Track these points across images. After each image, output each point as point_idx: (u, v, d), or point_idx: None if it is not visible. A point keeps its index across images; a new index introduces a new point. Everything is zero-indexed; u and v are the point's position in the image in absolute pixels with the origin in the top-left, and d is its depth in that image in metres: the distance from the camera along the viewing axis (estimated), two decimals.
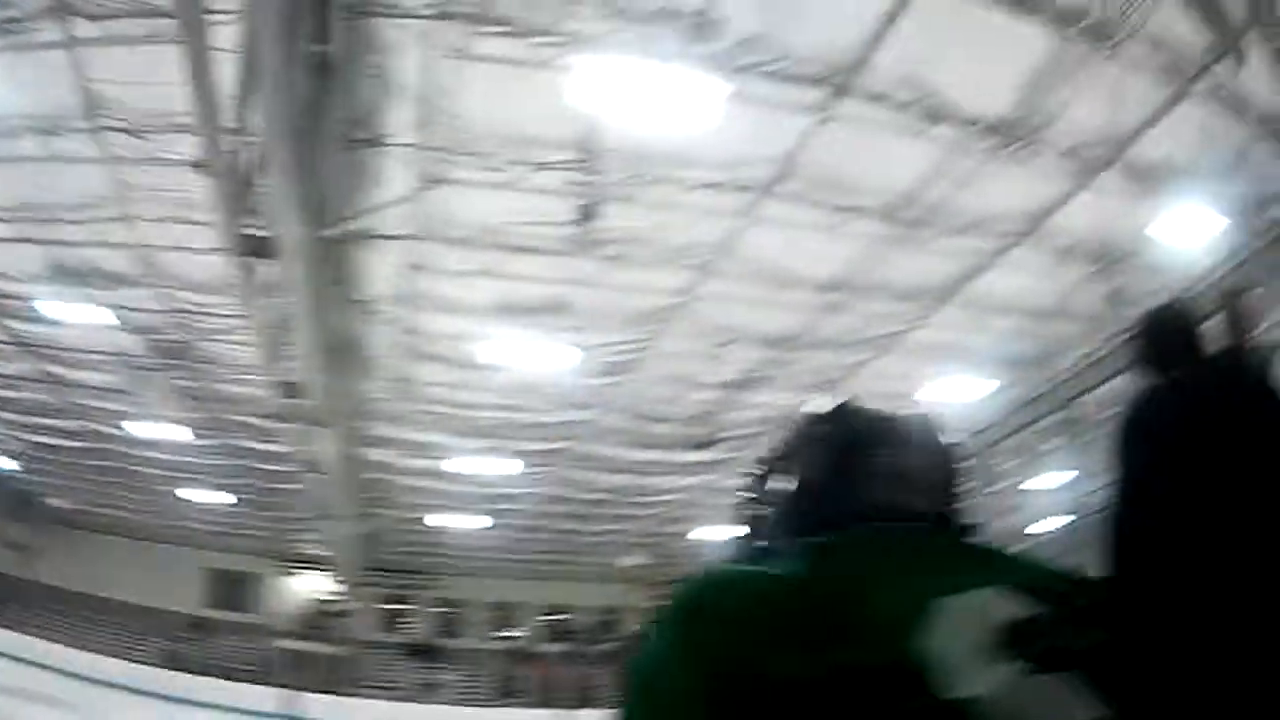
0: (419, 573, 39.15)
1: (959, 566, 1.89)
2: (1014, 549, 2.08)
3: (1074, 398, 22.73)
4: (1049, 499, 27.60)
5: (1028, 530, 36.34)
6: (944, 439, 2.22)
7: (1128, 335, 2.77)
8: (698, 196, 14.27)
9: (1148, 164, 15.04)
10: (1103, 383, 21.42)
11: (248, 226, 11.32)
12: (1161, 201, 15.48)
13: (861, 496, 2.05)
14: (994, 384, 22.08)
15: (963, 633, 1.70)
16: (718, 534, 31.98)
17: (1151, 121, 13.94)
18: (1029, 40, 12.04)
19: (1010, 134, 13.83)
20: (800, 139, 13.37)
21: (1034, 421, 24.30)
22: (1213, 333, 2.74)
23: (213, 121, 10.04)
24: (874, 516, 2.00)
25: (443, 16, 10.74)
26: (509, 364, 18.48)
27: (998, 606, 1.74)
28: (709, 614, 1.80)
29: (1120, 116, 13.73)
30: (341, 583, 36.40)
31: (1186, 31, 12.01)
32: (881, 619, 1.74)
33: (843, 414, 2.20)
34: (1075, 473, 24.95)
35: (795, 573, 1.86)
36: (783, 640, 1.76)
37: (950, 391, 21.84)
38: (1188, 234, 16.26)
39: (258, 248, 11.33)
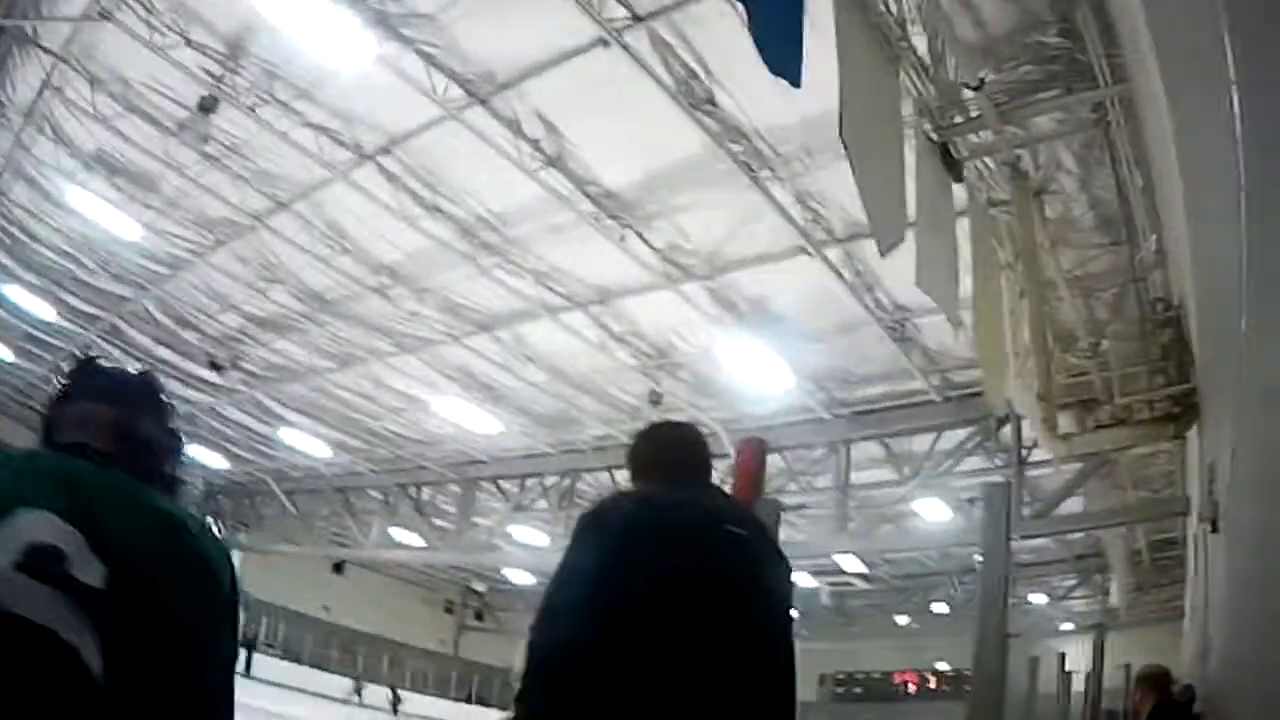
0: None
1: (58, 485, 2.26)
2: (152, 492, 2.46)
3: (576, 471, 24.74)
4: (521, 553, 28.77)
5: None
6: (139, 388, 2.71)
7: None
8: (307, 135, 14.40)
9: (746, 295, 16.08)
10: (607, 468, 23.19)
11: None
12: (740, 333, 16.61)
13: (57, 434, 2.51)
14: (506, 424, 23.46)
15: (6, 543, 2.08)
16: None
17: (767, 259, 14.87)
18: (685, 137, 12.55)
19: (621, 210, 14.57)
20: (421, 126, 13.72)
21: (529, 476, 26.22)
22: None
23: None
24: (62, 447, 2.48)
25: None
26: (87, 214, 18.05)
27: (41, 528, 2.13)
28: None
29: (740, 241, 14.70)
30: None
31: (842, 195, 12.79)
32: None
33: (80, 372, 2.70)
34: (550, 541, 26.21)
35: None
36: None
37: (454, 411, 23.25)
38: (754, 370, 17.43)
39: None
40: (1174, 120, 6.97)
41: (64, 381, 2.66)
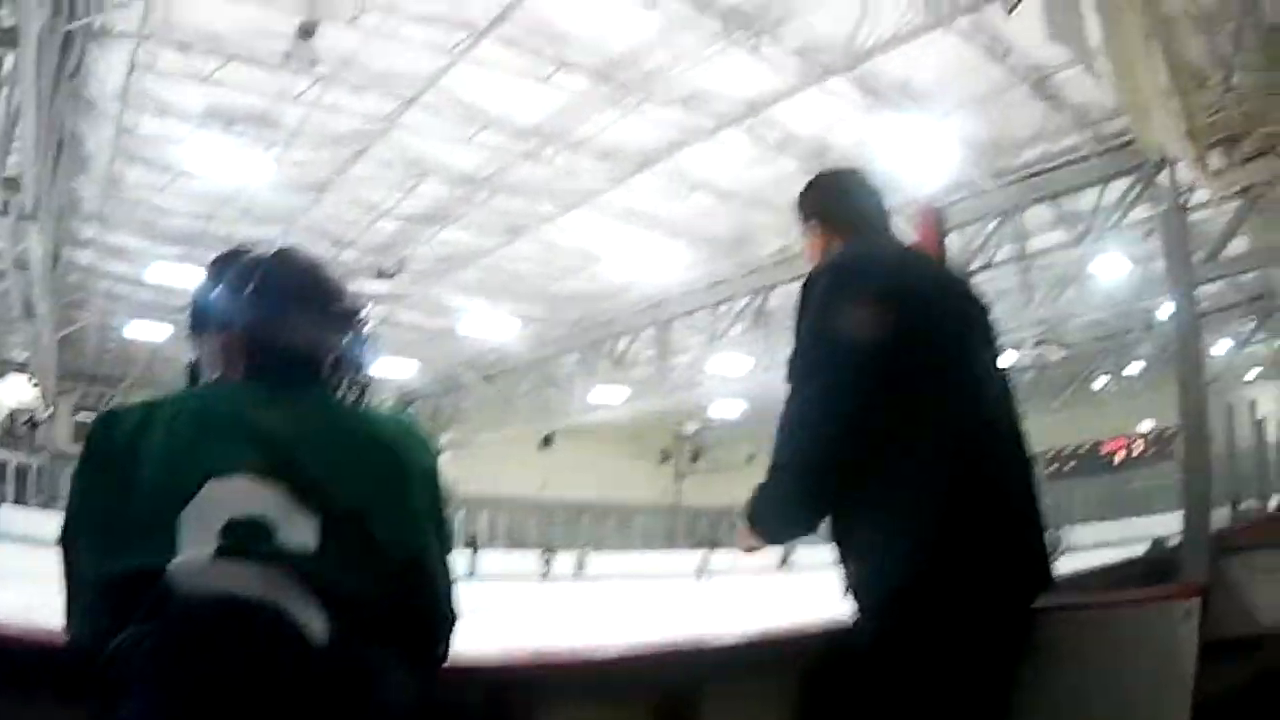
0: (110, 383, 38.35)
1: (250, 436, 2.09)
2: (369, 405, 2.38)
3: (765, 288, 24.37)
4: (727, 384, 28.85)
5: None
6: (340, 293, 2.46)
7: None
8: (416, 29, 14.38)
9: (888, 80, 15.79)
10: (793, 279, 23.21)
11: (3, 15, 10.90)
12: (891, 118, 16.33)
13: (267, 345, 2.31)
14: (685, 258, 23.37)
15: (202, 525, 1.94)
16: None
17: (899, 40, 14.43)
18: None
19: (747, 21, 14.30)
20: None
21: (720, 303, 25.81)
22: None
23: None
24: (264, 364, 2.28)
25: None
26: (212, 171, 18.20)
27: (238, 499, 1.98)
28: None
29: (868, 28, 14.36)
30: (38, 389, 35.62)
31: None
32: (149, 497, 1.99)
33: (253, 267, 2.41)
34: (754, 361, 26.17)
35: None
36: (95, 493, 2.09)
37: (632, 256, 23.03)
38: (913, 153, 17.13)
39: (7, 37, 10.87)
40: None
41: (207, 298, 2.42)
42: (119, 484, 2.02)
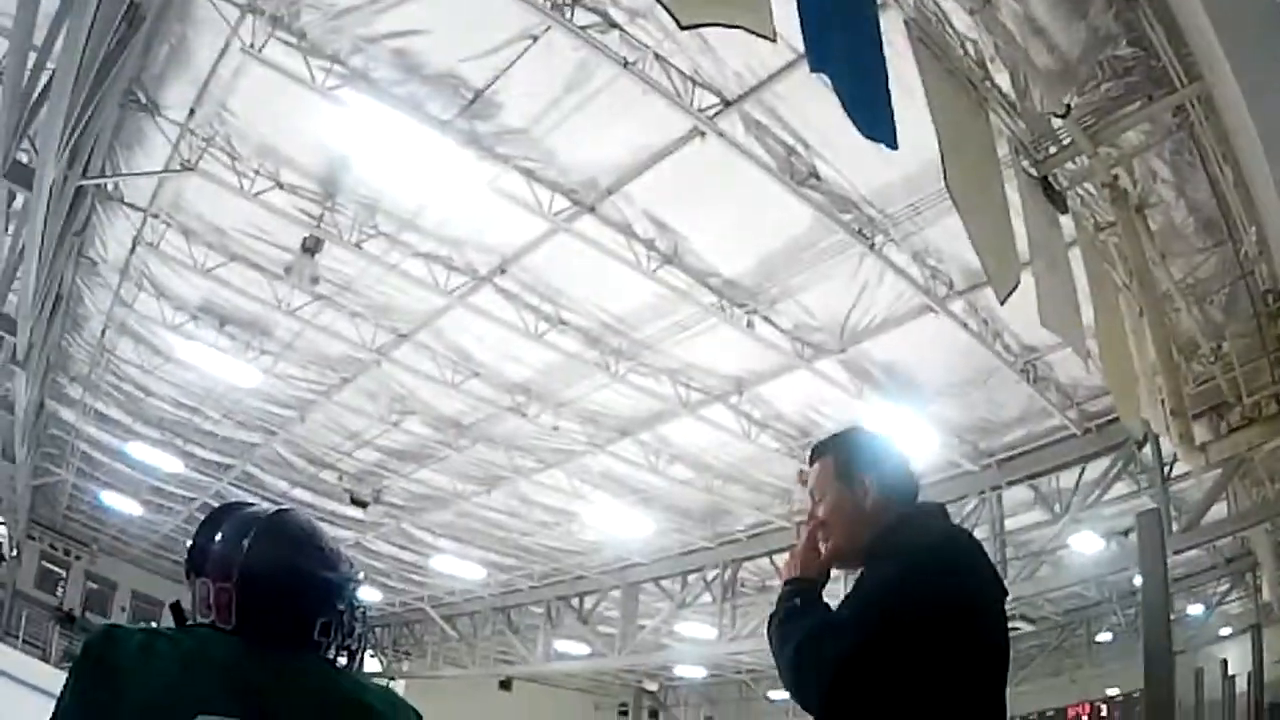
0: (79, 542, 38.09)
1: (239, 687, 2.20)
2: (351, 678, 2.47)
3: (735, 561, 24.45)
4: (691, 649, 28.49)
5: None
6: (337, 559, 2.59)
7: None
8: (418, 265, 14.63)
9: (876, 362, 16.07)
10: (765, 554, 23.24)
11: (20, 151, 10.87)
12: (877, 401, 16.52)
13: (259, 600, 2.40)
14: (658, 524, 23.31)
15: None
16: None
17: (892, 323, 14.81)
18: (794, 214, 12.55)
19: (744, 297, 14.62)
20: (531, 241, 13.83)
21: (690, 572, 25.86)
22: None
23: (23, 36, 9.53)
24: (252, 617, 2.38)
25: (251, 9, 10.66)
26: (201, 366, 18.39)
27: None
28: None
29: (862, 309, 14.66)
30: (5, 530, 35.40)
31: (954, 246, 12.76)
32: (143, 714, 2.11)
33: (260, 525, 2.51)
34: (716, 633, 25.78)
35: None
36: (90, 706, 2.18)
37: (606, 518, 23.03)
38: (896, 435, 17.33)
39: (23, 175, 10.76)
40: (1251, 107, 7.06)
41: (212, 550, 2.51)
42: (114, 701, 2.11)
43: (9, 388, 18.96)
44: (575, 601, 30.13)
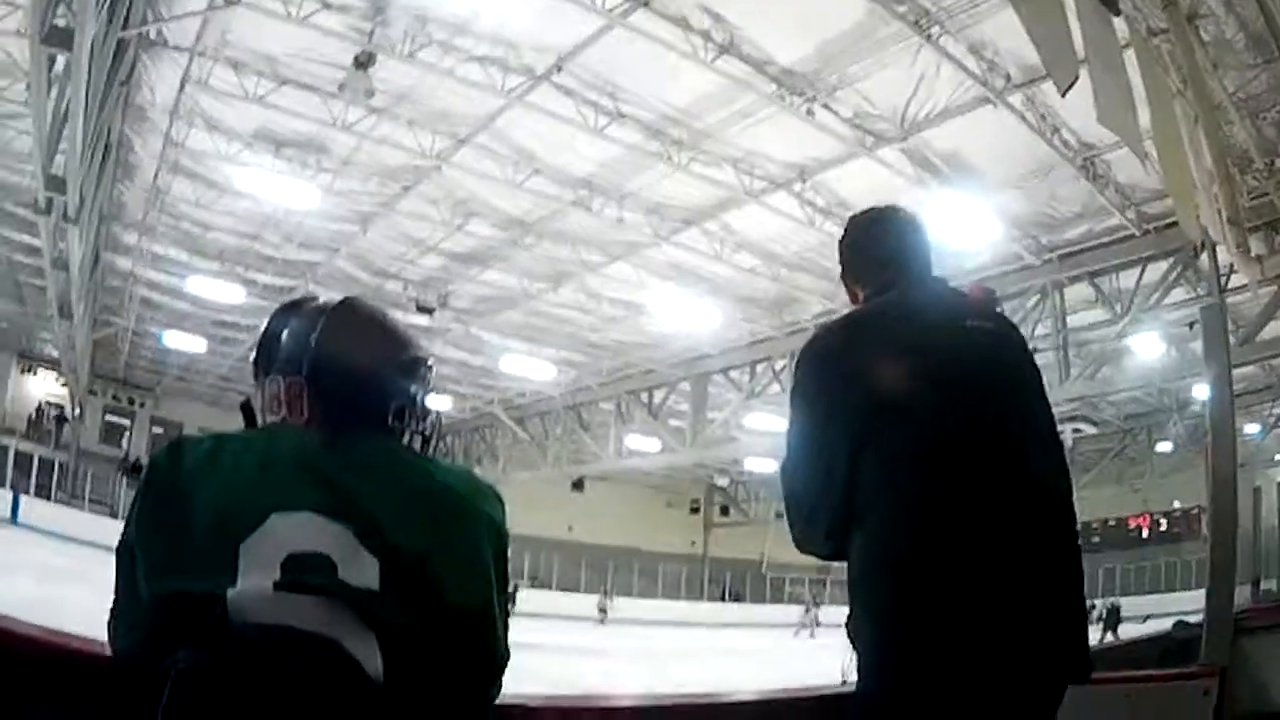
0: (142, 388, 38.66)
1: (315, 477, 2.13)
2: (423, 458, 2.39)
3: (797, 351, 24.34)
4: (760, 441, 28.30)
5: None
6: (407, 342, 2.49)
7: None
8: (474, 69, 14.36)
9: (938, 152, 15.88)
10: None
11: (59, 15, 10.69)
12: (940, 191, 16.40)
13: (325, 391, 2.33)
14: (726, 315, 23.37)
15: (264, 556, 1.97)
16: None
17: (951, 114, 14.57)
18: (849, 3, 12.26)
19: (803, 85, 14.34)
20: (588, 37, 13.46)
21: (759, 362, 26.04)
22: None
23: None
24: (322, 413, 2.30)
25: None
26: (259, 193, 18.28)
27: (301, 534, 2.02)
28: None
29: (921, 99, 14.47)
30: (68, 387, 35.99)
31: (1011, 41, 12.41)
32: (211, 524, 2.03)
33: (312, 312, 2.44)
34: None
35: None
36: (158, 512, 2.14)
37: (674, 310, 23.05)
38: (960, 226, 17.08)
39: (62, 38, 10.59)
40: None
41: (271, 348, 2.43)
42: (183, 508, 2.06)
43: (62, 248, 19.15)
44: (645, 396, 30.32)
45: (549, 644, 24.79)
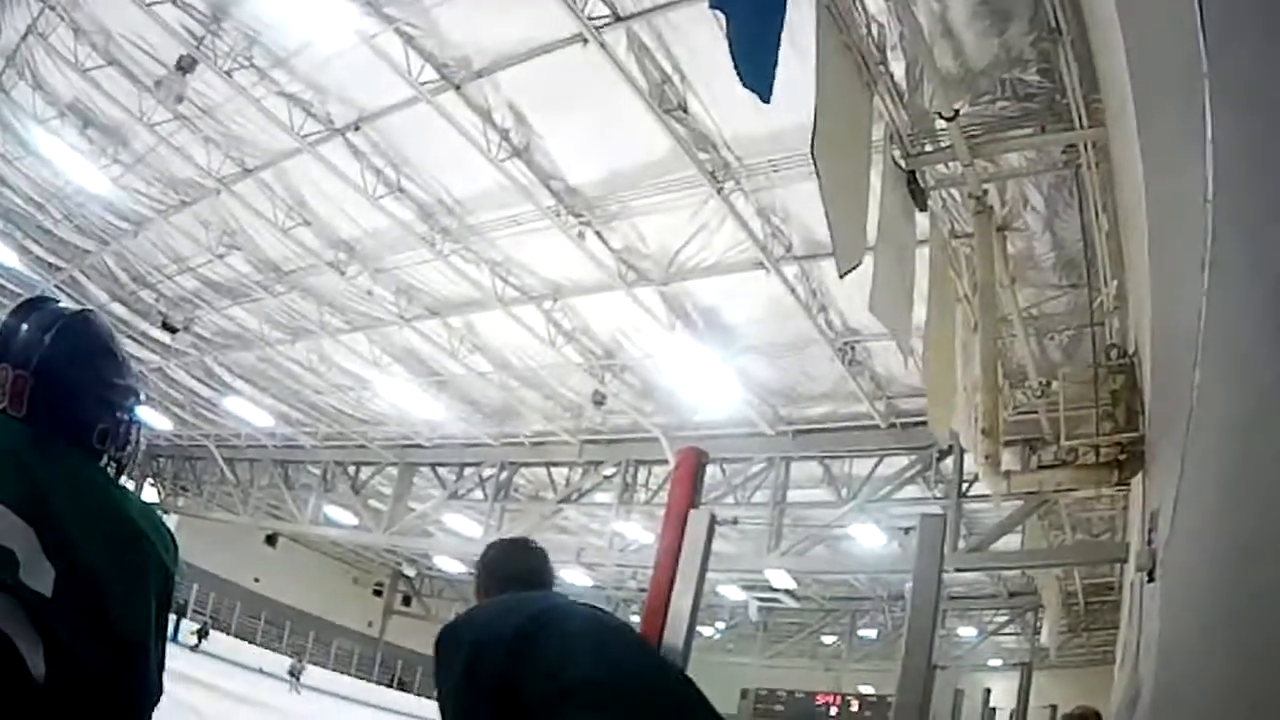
0: None
1: (18, 473, 2.23)
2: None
3: (514, 464, 24.81)
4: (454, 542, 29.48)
5: None
6: (128, 370, 2.67)
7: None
8: (280, 104, 14.38)
9: (697, 304, 16.23)
10: (544, 464, 23.72)
11: None
12: (689, 341, 16.71)
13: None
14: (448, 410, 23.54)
15: None
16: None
17: (722, 270, 14.97)
18: (654, 140, 12.52)
19: (583, 207, 14.64)
20: (393, 104, 13.68)
21: (468, 465, 26.21)
22: None
23: None
24: None
25: None
26: (58, 163, 17.91)
27: None
28: None
29: (695, 248, 14.78)
30: None
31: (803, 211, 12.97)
32: None
33: None
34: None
35: None
36: None
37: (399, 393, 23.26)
38: (700, 379, 17.46)
39: None
40: (1146, 168, 6.98)
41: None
42: None
43: None
44: (352, 470, 30.51)
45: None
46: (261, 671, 43.22)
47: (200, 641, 42.12)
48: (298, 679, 43.17)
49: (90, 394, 2.50)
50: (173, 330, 23.98)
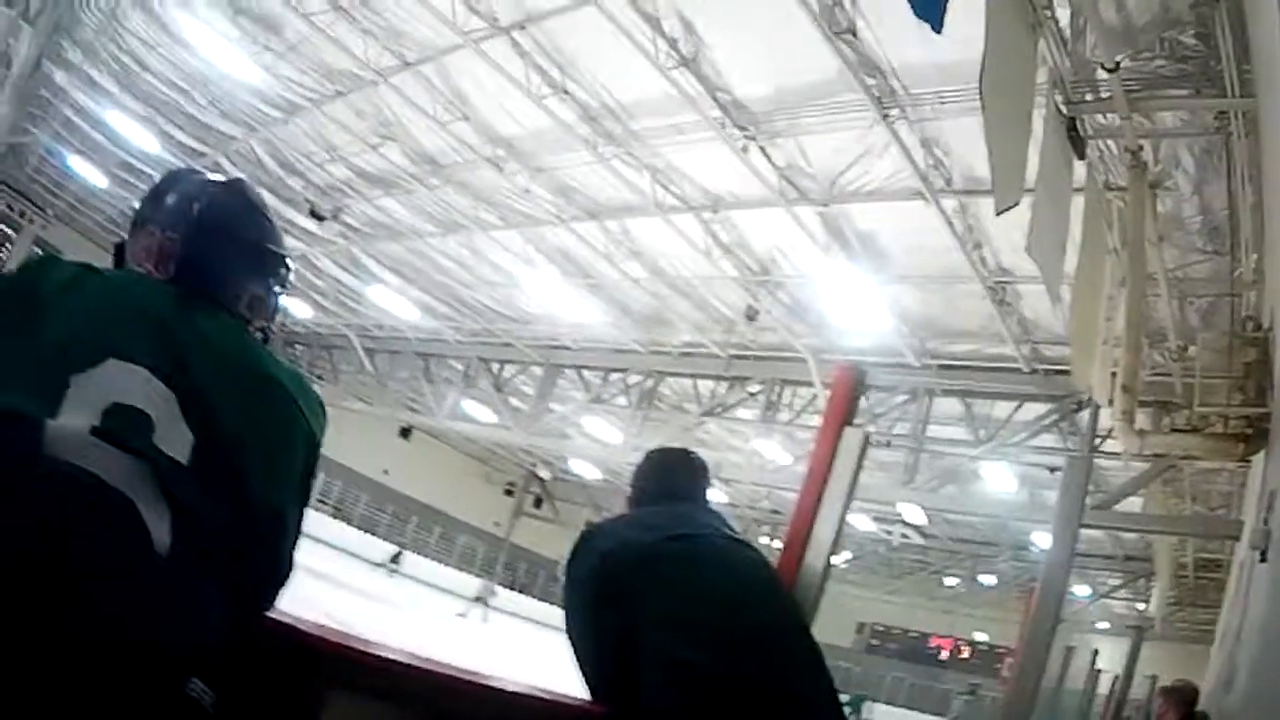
0: (37, 205, 37.86)
1: (160, 335, 2.16)
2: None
3: (660, 373, 24.82)
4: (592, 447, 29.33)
5: None
6: (278, 240, 2.62)
7: None
8: None
9: (855, 227, 16.06)
10: (691, 376, 23.90)
11: None
12: (843, 263, 16.57)
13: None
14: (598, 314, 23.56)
15: (90, 397, 1.98)
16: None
17: (882, 196, 14.80)
18: (822, 61, 12.30)
19: (748, 121, 14.41)
20: (561, 6, 13.43)
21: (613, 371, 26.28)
22: None
23: None
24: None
25: None
26: (204, 51, 17.95)
27: (131, 386, 2.04)
28: None
29: (857, 172, 14.60)
30: None
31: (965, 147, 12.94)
32: (53, 346, 2.06)
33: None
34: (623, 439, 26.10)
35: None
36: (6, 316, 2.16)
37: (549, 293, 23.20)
38: (851, 303, 17.41)
39: None
40: None
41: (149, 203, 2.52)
42: (32, 320, 2.09)
43: (11, 44, 19.06)
44: (494, 367, 30.30)
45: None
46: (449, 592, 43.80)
47: (396, 564, 43.50)
48: (397, 564, 44.20)
49: (239, 260, 2.48)
50: (320, 218, 24.12)
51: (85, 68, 21.66)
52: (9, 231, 37.13)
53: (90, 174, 29.34)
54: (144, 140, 23.69)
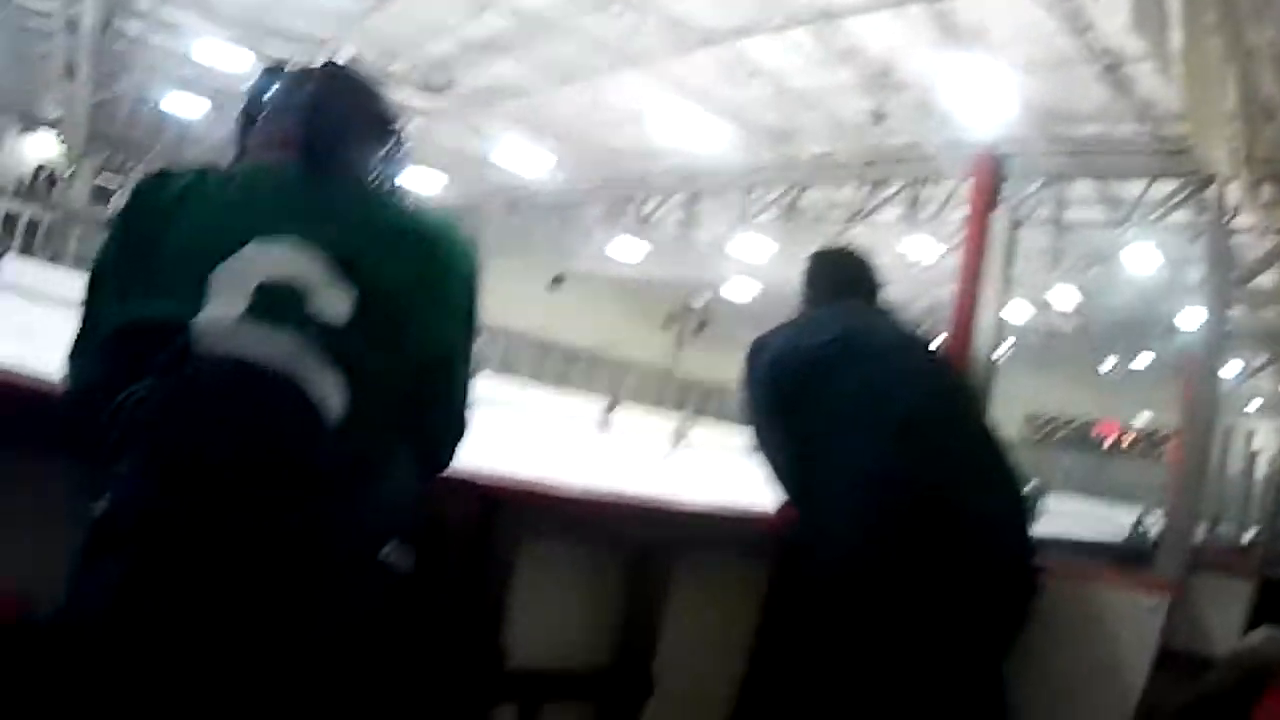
0: (137, 151, 38.38)
1: (295, 207, 2.09)
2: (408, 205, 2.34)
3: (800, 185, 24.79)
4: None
5: None
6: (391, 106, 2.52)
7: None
8: None
9: (965, 22, 15.85)
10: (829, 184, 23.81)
11: None
12: (958, 59, 16.41)
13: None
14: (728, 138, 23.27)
15: (235, 284, 1.92)
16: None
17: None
18: None
19: None
20: None
21: (754, 189, 26.36)
22: None
23: None
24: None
25: None
26: None
27: (276, 263, 1.96)
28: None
29: None
30: (65, 146, 35.65)
31: None
32: (187, 249, 1.99)
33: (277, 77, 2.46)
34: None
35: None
36: (133, 233, 2.10)
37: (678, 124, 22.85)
38: (972, 97, 17.17)
39: None
40: None
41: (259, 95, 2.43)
42: (158, 234, 2.02)
43: (75, 11, 19.42)
44: (636, 203, 30.32)
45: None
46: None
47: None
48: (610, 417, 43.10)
49: (358, 131, 2.39)
50: (435, 90, 24.05)
51: (158, 12, 21.99)
52: (115, 184, 37.81)
53: (186, 107, 29.68)
54: (236, 60, 23.55)
